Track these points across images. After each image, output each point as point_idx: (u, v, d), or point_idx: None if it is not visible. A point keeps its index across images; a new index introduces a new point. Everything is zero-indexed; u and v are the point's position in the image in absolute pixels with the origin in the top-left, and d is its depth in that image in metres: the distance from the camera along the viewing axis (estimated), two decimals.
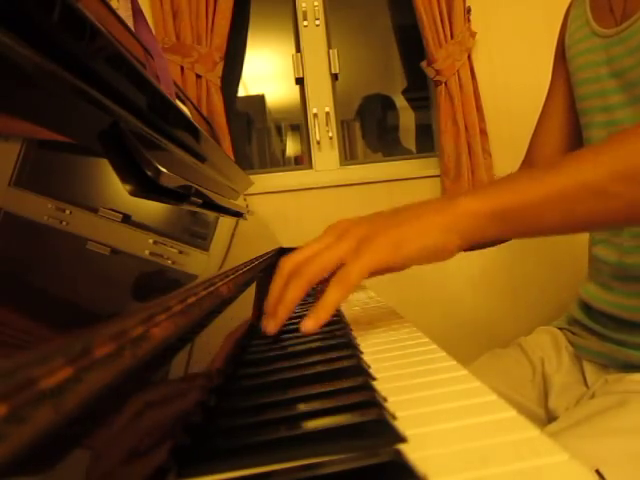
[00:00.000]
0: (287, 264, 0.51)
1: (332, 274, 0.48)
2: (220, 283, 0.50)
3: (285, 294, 0.48)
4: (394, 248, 0.47)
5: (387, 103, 2.22)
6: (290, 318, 0.66)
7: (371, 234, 0.48)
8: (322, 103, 1.94)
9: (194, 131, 0.66)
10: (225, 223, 0.70)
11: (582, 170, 0.49)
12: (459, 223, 0.48)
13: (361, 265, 0.46)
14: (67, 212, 0.30)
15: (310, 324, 0.46)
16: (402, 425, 0.28)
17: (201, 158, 0.73)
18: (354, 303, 0.76)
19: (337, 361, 0.41)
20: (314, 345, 0.47)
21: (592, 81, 0.77)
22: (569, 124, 0.88)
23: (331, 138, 1.94)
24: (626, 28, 0.71)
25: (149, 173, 0.41)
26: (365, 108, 2.22)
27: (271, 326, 0.48)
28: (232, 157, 1.70)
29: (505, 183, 0.51)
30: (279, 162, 2.28)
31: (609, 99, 0.75)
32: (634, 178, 0.48)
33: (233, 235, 0.74)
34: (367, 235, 0.48)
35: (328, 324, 0.56)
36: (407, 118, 2.23)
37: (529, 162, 0.96)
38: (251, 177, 1.42)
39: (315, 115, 1.93)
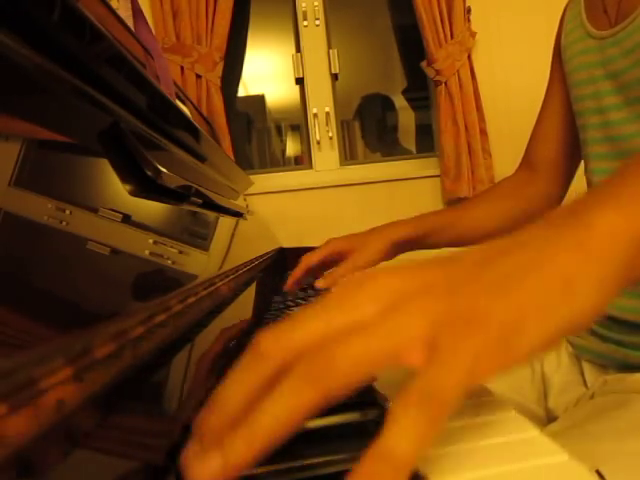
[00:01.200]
0: (271, 343, 0.25)
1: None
2: (220, 283, 0.50)
3: (263, 408, 0.22)
4: (506, 339, 0.23)
5: (387, 103, 2.22)
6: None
7: (461, 311, 0.24)
8: (322, 103, 1.94)
9: (194, 131, 0.66)
10: (225, 223, 0.70)
11: None
12: (612, 257, 0.27)
13: (457, 374, 0.22)
14: (67, 212, 0.30)
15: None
16: None
17: (201, 158, 0.73)
18: None
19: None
20: None
21: (587, 82, 0.77)
22: (567, 124, 0.88)
23: (331, 138, 1.94)
24: (621, 30, 0.71)
25: (149, 173, 0.41)
26: (364, 108, 2.22)
27: (212, 469, 0.21)
28: (232, 157, 1.70)
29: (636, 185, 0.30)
30: (279, 162, 2.28)
31: (604, 100, 0.75)
32: None
33: (233, 235, 0.74)
34: (449, 318, 0.24)
35: None
36: (407, 118, 2.23)
37: (527, 162, 0.96)
38: (251, 177, 1.42)
39: (315, 115, 1.93)
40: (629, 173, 0.31)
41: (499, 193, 0.97)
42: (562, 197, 0.94)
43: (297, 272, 0.81)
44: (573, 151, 0.88)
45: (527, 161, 0.96)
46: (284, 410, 0.22)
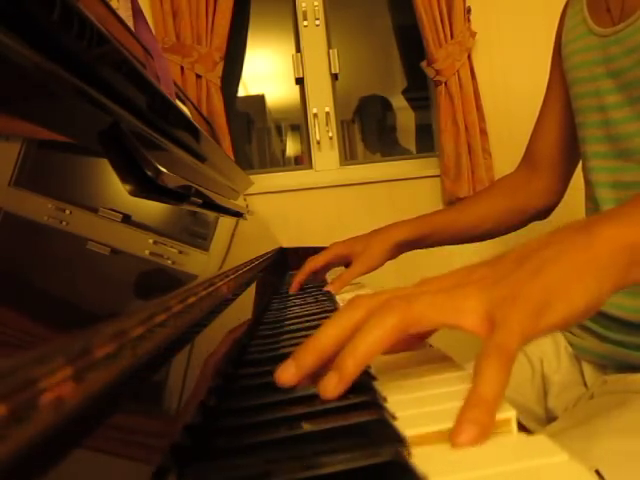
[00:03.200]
0: (363, 299, 0.34)
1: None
2: (220, 283, 0.50)
3: (359, 336, 0.31)
4: (542, 311, 0.31)
5: (385, 104, 2.22)
6: (289, 318, 0.66)
7: (507, 293, 0.32)
8: (322, 103, 1.94)
9: (194, 131, 0.66)
10: (225, 223, 0.70)
11: None
12: (607, 262, 0.34)
13: (515, 334, 0.30)
14: (67, 212, 0.30)
15: (475, 438, 0.26)
16: (402, 425, 0.28)
17: (201, 158, 0.73)
18: None
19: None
20: None
21: (587, 80, 0.77)
22: (567, 122, 0.88)
23: (331, 138, 1.94)
24: (624, 28, 0.70)
25: (149, 173, 0.41)
26: (363, 109, 2.22)
27: (332, 384, 0.30)
28: (232, 157, 1.70)
29: None
30: (279, 162, 2.28)
31: (605, 99, 0.74)
32: None
33: (233, 235, 0.74)
34: (500, 298, 0.32)
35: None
36: (407, 118, 2.23)
37: (528, 159, 0.96)
38: (251, 177, 1.42)
39: (315, 115, 1.93)
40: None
41: (499, 190, 0.97)
42: (562, 194, 0.94)
43: (301, 276, 0.82)
44: (573, 148, 0.88)
45: (527, 158, 0.96)
46: (375, 334, 0.30)
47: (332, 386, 0.30)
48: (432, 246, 0.91)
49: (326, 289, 0.78)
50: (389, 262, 0.89)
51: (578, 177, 0.87)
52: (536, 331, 0.31)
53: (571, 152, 0.90)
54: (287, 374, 0.31)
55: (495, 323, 0.30)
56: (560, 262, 0.33)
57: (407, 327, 0.31)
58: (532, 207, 0.95)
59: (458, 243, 0.95)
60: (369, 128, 2.24)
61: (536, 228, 0.83)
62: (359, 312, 0.32)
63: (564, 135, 0.89)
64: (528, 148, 0.96)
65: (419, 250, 0.92)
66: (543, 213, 0.95)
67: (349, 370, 0.30)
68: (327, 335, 0.32)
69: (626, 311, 0.73)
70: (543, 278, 0.32)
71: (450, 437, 0.26)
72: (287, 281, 0.95)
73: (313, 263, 0.83)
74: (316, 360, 0.32)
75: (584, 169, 0.82)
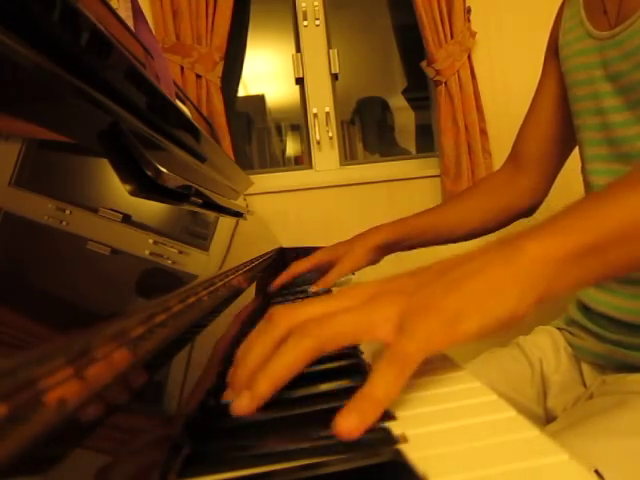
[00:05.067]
0: (282, 317, 0.35)
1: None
2: (220, 283, 0.50)
3: (276, 358, 0.32)
4: (452, 323, 0.33)
5: (383, 105, 2.22)
6: None
7: (421, 303, 0.34)
8: (322, 103, 1.94)
9: (194, 131, 0.66)
10: (225, 223, 0.70)
11: None
12: (531, 276, 0.36)
13: (417, 343, 0.32)
14: (67, 212, 0.30)
15: (353, 424, 0.27)
16: (402, 425, 0.28)
17: (201, 158, 0.73)
18: None
19: (337, 361, 0.41)
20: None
21: (585, 83, 0.77)
22: (555, 121, 0.88)
23: (331, 138, 1.94)
24: (621, 31, 0.70)
25: (149, 173, 0.41)
26: (362, 111, 2.22)
27: (245, 403, 0.31)
28: (232, 157, 1.70)
29: (577, 213, 0.40)
30: (279, 162, 2.28)
31: (603, 102, 0.74)
32: None
33: (233, 235, 0.74)
34: (413, 307, 0.33)
35: None
36: (407, 118, 2.23)
37: (513, 158, 0.97)
38: (251, 177, 1.42)
39: (315, 115, 1.93)
40: (570, 208, 0.41)
41: (483, 189, 0.98)
42: (546, 192, 0.95)
43: (284, 277, 0.84)
44: (559, 147, 0.89)
45: (513, 156, 0.97)
46: (291, 357, 0.32)
47: (244, 405, 0.31)
48: (416, 247, 0.92)
49: (311, 290, 0.80)
50: (388, 262, 0.90)
51: (577, 180, 0.87)
52: (446, 340, 0.33)
53: (557, 151, 0.90)
54: (231, 397, 0.33)
55: (402, 331, 0.32)
56: (479, 276, 0.35)
57: (322, 348, 0.32)
58: (516, 205, 0.95)
59: (443, 243, 0.95)
60: (368, 129, 2.24)
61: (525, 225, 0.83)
62: (278, 331, 0.34)
63: (552, 135, 0.90)
64: (514, 147, 0.97)
65: (420, 250, 0.93)
66: (527, 211, 0.96)
67: (261, 390, 0.31)
68: (254, 354, 0.34)
69: (625, 312, 0.73)
70: (459, 290, 0.34)
71: (334, 422, 0.27)
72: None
73: (297, 268, 0.85)
74: (247, 378, 0.33)
75: (583, 171, 0.82)
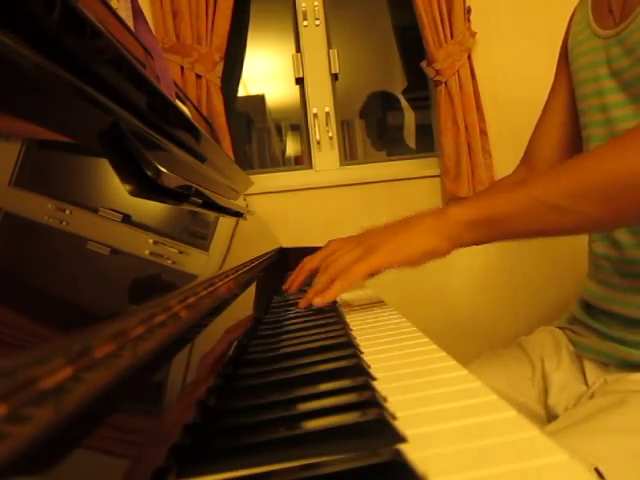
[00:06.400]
0: (307, 261, 0.74)
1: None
2: (220, 283, 0.50)
3: (319, 277, 0.67)
4: (392, 252, 0.62)
5: (389, 102, 2.22)
6: (289, 318, 0.66)
7: (376, 242, 0.63)
8: (322, 103, 1.94)
9: (194, 131, 0.66)
10: (225, 223, 0.70)
11: (543, 189, 0.61)
12: (447, 229, 0.62)
13: (366, 264, 0.62)
14: (67, 212, 0.30)
15: (317, 300, 0.62)
16: (402, 425, 0.28)
17: (201, 158, 0.73)
18: (354, 303, 0.77)
19: (337, 361, 0.41)
20: (314, 345, 0.47)
21: (591, 81, 0.78)
22: (569, 124, 0.88)
23: (331, 138, 1.94)
24: (624, 28, 0.71)
25: (149, 173, 0.41)
26: (367, 106, 2.21)
27: (318, 300, 0.63)
28: (232, 157, 1.70)
29: (484, 197, 0.65)
30: (279, 162, 2.28)
31: (607, 98, 0.75)
32: (581, 195, 0.58)
33: (233, 235, 0.74)
34: (373, 243, 0.63)
35: (327, 324, 0.56)
36: (407, 118, 2.23)
37: (528, 161, 0.96)
38: (251, 177, 1.42)
39: (315, 115, 1.93)
40: (485, 191, 0.81)
41: (497, 191, 0.97)
42: None
43: (300, 277, 0.79)
44: (573, 150, 0.89)
45: (527, 159, 0.96)
46: (326, 276, 0.64)
47: (308, 297, 0.65)
48: None
49: None
50: None
51: None
52: (385, 262, 0.62)
53: (571, 154, 0.90)
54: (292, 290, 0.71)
55: (363, 257, 0.63)
56: (414, 227, 0.64)
57: (338, 273, 0.64)
58: None
59: None
60: (374, 125, 2.24)
61: None
62: (318, 259, 0.73)
63: (565, 137, 0.90)
64: (528, 149, 0.97)
65: None
66: None
67: (316, 289, 0.65)
68: (307, 264, 0.73)
69: (628, 308, 0.73)
70: (399, 235, 0.63)
71: (300, 301, 0.64)
72: (287, 281, 0.95)
73: (311, 263, 0.82)
74: (305, 277, 0.70)
75: None
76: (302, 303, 0.65)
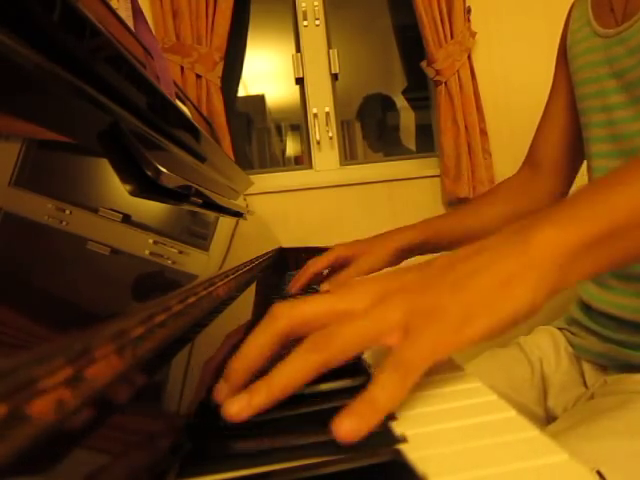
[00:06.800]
0: (283, 312, 0.33)
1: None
2: (220, 283, 0.50)
3: (281, 367, 0.31)
4: (460, 326, 0.32)
5: (387, 103, 2.22)
6: None
7: (427, 304, 0.32)
8: (322, 103, 1.94)
9: (194, 131, 0.66)
10: (225, 223, 0.70)
11: None
12: (543, 267, 0.34)
13: (423, 351, 0.31)
14: (67, 212, 0.30)
15: (353, 427, 0.26)
16: (402, 425, 0.28)
17: (201, 158, 0.73)
18: None
19: None
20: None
21: (591, 81, 0.78)
22: (571, 123, 0.88)
23: (331, 138, 1.94)
24: (626, 28, 0.71)
25: (149, 173, 0.41)
26: (363, 108, 2.21)
27: (235, 410, 0.29)
28: (232, 157, 1.70)
29: (588, 200, 0.39)
30: (279, 162, 2.28)
31: (608, 99, 0.75)
32: None
33: (233, 235, 0.74)
34: (421, 306, 0.32)
35: None
36: (407, 118, 2.23)
37: (531, 161, 0.96)
38: (251, 177, 1.42)
39: (315, 115, 1.93)
40: (578, 194, 0.39)
41: (503, 193, 0.97)
42: (565, 195, 0.94)
43: (303, 279, 0.79)
44: (577, 149, 0.88)
45: (530, 159, 0.96)
46: (295, 370, 0.30)
47: (238, 407, 0.29)
48: (435, 251, 0.90)
49: (322, 289, 0.77)
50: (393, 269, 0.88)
51: (584, 177, 0.87)
52: (453, 346, 0.31)
53: (575, 154, 0.90)
54: (222, 391, 0.32)
55: (407, 337, 0.31)
56: (487, 271, 0.33)
57: (329, 363, 0.31)
58: (537, 208, 0.94)
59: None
60: (372, 127, 2.24)
61: None
62: (279, 325, 0.33)
63: (568, 137, 0.89)
64: (531, 149, 0.96)
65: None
66: None
67: (259, 399, 0.29)
68: (253, 346, 0.33)
69: (627, 311, 0.73)
70: (466, 289, 0.32)
71: (333, 424, 0.26)
72: (287, 281, 0.95)
73: (315, 266, 0.81)
74: (243, 372, 0.32)
75: (588, 169, 0.82)
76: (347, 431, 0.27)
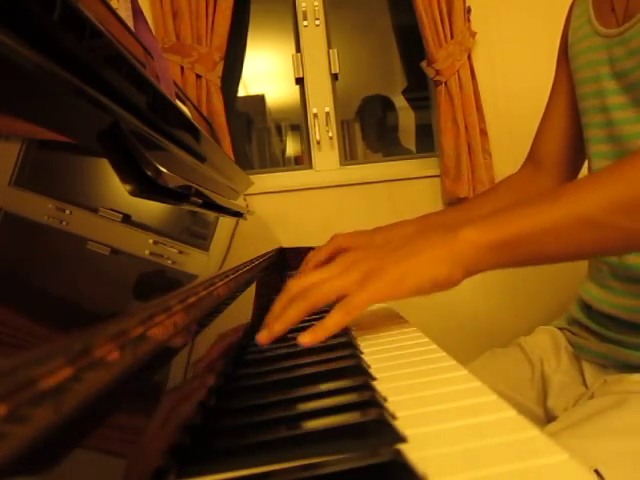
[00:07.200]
0: (294, 286, 0.52)
1: (337, 300, 0.50)
2: (220, 283, 0.50)
3: (286, 312, 0.49)
4: (397, 282, 0.49)
5: (387, 104, 2.22)
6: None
7: (376, 268, 0.50)
8: (322, 103, 1.94)
9: (194, 131, 0.66)
10: (225, 223, 0.70)
11: (578, 202, 0.52)
12: (460, 255, 0.50)
13: (365, 296, 0.48)
14: (67, 212, 0.30)
15: (307, 339, 0.46)
16: (402, 425, 0.28)
17: (201, 158, 0.73)
18: None
19: (337, 361, 0.41)
20: (314, 345, 0.47)
21: (592, 80, 0.77)
22: (572, 121, 0.88)
23: (331, 138, 1.94)
24: (628, 29, 0.70)
25: (149, 173, 0.41)
26: (362, 110, 2.22)
27: (264, 337, 0.49)
28: (232, 157, 1.70)
29: (503, 214, 0.53)
30: (279, 162, 2.28)
31: (608, 100, 0.74)
32: (634, 209, 0.50)
33: (233, 235, 0.74)
34: (373, 269, 0.50)
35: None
36: (407, 118, 2.23)
37: (532, 159, 0.95)
38: (251, 177, 1.42)
39: (315, 115, 1.93)
40: (509, 205, 0.55)
41: (504, 190, 0.96)
42: None
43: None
44: (578, 148, 0.88)
45: (532, 158, 0.95)
46: (293, 312, 0.49)
47: (264, 335, 0.49)
48: None
49: None
50: None
51: None
52: (389, 295, 0.49)
53: (576, 152, 0.89)
54: (263, 339, 0.49)
55: (359, 287, 0.49)
56: (423, 252, 0.51)
57: (315, 306, 0.49)
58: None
59: None
60: (371, 128, 2.24)
61: None
62: (290, 293, 0.52)
63: (569, 134, 0.89)
64: (533, 147, 0.95)
65: None
66: None
67: (276, 328, 0.49)
68: (276, 307, 0.52)
69: (627, 311, 0.73)
70: (405, 262, 0.50)
71: (298, 338, 0.47)
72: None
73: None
74: (272, 320, 0.50)
75: (589, 169, 0.82)
76: (304, 340, 0.47)
